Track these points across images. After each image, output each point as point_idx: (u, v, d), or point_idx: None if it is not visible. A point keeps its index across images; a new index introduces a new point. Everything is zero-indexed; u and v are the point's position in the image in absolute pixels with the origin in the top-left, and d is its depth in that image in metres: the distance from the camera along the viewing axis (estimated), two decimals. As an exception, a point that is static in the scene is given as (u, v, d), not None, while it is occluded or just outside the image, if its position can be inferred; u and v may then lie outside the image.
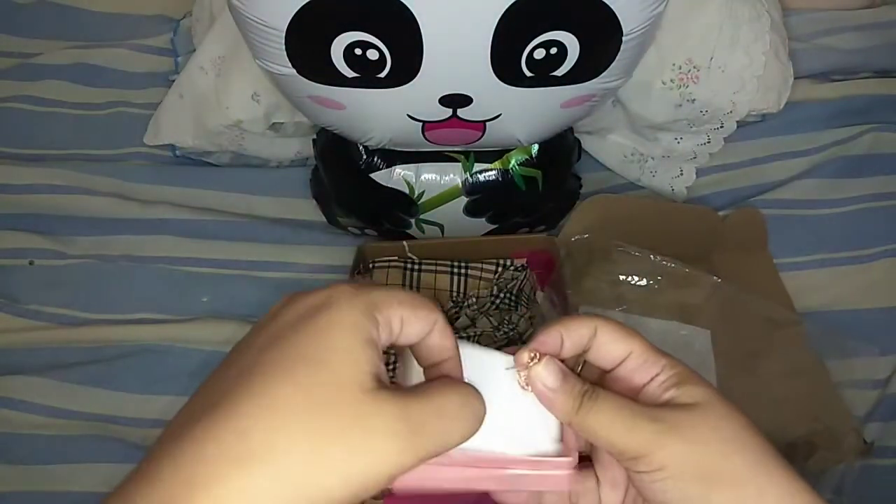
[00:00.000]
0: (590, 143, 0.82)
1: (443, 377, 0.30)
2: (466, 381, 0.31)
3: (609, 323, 0.33)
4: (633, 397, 0.33)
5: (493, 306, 0.67)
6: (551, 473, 0.33)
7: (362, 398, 0.25)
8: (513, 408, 0.33)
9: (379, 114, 0.58)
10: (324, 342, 0.26)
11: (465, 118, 0.57)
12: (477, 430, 0.29)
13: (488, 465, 0.31)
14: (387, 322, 0.28)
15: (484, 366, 0.32)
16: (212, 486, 0.23)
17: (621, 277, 0.68)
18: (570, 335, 0.33)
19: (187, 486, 0.23)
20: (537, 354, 0.33)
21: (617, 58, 0.55)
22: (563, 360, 0.33)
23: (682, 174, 0.80)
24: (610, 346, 0.33)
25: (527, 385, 0.33)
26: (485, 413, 0.29)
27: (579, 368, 0.34)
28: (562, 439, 0.34)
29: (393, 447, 0.25)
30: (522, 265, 0.69)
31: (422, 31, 0.49)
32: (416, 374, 0.31)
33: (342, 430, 0.25)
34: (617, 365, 0.33)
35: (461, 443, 0.28)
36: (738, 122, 0.78)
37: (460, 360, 0.31)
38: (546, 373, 0.32)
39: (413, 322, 0.29)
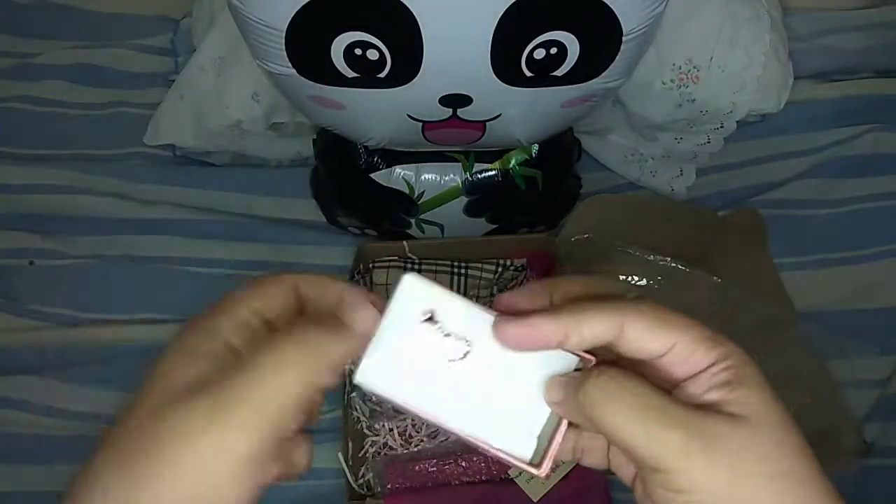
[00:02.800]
0: (590, 143, 0.82)
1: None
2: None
3: (642, 315, 0.27)
4: (668, 389, 0.27)
5: (493, 306, 0.67)
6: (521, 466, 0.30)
7: (167, 413, 0.26)
8: (501, 385, 0.29)
9: (379, 114, 0.58)
10: (159, 359, 0.28)
11: (465, 118, 0.57)
12: (317, 376, 0.27)
13: (459, 437, 0.30)
14: (236, 320, 0.29)
15: (479, 326, 0.30)
16: None
17: (621, 277, 0.68)
18: (582, 330, 0.27)
19: None
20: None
21: (617, 58, 0.55)
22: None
23: (682, 174, 0.80)
24: (643, 342, 0.27)
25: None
26: (324, 341, 0.27)
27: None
28: (544, 435, 0.29)
29: (233, 438, 0.25)
30: (522, 265, 0.69)
31: (422, 30, 0.49)
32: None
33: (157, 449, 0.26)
34: (657, 357, 0.27)
35: (308, 388, 0.26)
36: (738, 122, 0.78)
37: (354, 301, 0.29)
38: (551, 390, 0.28)
39: (266, 305, 0.29)
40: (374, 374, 0.29)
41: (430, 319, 0.30)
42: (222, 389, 0.26)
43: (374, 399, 0.64)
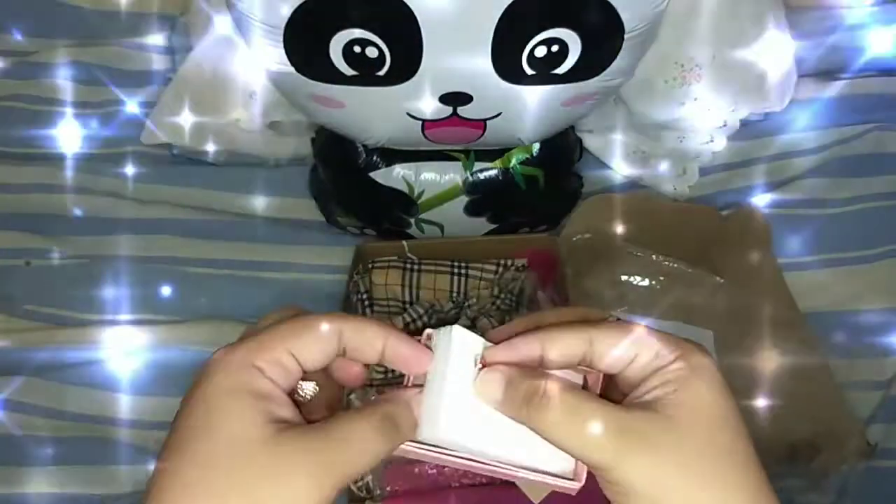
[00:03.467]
0: (591, 142, 0.82)
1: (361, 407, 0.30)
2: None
3: (608, 330, 0.30)
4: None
5: (494, 307, 0.66)
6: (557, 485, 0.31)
7: (261, 449, 0.26)
8: None
9: (378, 112, 0.58)
10: (206, 410, 0.27)
11: (466, 116, 0.57)
12: (394, 446, 0.29)
13: (495, 468, 0.31)
14: (274, 362, 0.28)
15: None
16: None
17: (623, 277, 0.68)
18: (556, 347, 0.30)
19: None
20: (480, 362, 0.30)
21: (618, 56, 0.54)
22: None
23: (684, 173, 0.79)
24: (610, 354, 0.29)
25: None
26: (408, 426, 0.29)
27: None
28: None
29: (303, 485, 0.26)
30: (523, 265, 0.69)
31: (421, 28, 0.49)
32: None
33: (247, 486, 0.26)
34: (626, 367, 0.30)
35: (376, 462, 0.28)
36: (740, 120, 0.77)
37: (415, 357, 0.30)
38: (489, 387, 0.30)
39: (306, 349, 0.29)
40: (441, 430, 0.30)
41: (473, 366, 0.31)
42: (318, 442, 0.27)
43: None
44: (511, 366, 0.30)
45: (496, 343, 0.31)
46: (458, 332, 0.31)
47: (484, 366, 0.31)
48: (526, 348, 0.30)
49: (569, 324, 0.31)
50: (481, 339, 0.31)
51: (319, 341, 0.29)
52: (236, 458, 0.26)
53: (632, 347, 0.29)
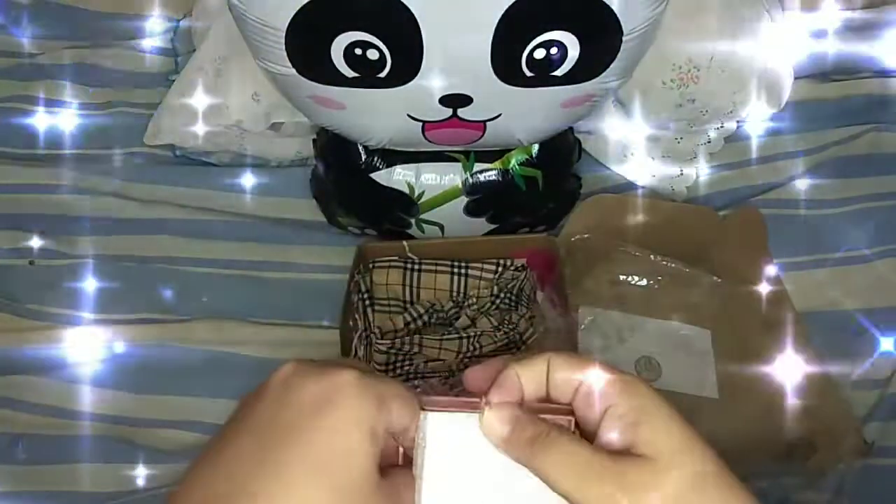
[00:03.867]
0: (590, 143, 0.82)
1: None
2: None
3: (560, 355, 0.32)
4: (594, 433, 0.31)
5: (494, 306, 0.67)
6: None
7: (373, 493, 0.28)
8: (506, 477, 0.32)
9: (379, 114, 0.58)
10: (339, 443, 0.28)
11: (466, 118, 0.57)
12: None
13: None
14: (388, 413, 0.30)
15: (465, 435, 0.32)
16: None
17: (621, 277, 0.68)
18: (526, 373, 0.32)
19: None
20: (485, 401, 0.32)
21: (617, 58, 0.55)
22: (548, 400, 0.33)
23: (682, 174, 0.80)
24: (562, 377, 0.32)
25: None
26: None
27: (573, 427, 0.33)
28: None
29: None
30: (522, 265, 0.69)
31: (422, 30, 0.49)
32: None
33: None
34: (575, 392, 0.32)
35: None
36: (738, 121, 0.78)
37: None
38: (495, 423, 0.31)
39: (404, 415, 0.31)
40: None
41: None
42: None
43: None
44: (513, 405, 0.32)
45: (471, 382, 0.33)
46: (431, 419, 0.32)
47: (478, 407, 0.32)
48: (509, 383, 0.32)
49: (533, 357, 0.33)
50: (460, 415, 0.32)
51: (410, 413, 0.32)
52: (357, 497, 0.28)
53: (577, 373, 0.31)
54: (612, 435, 0.30)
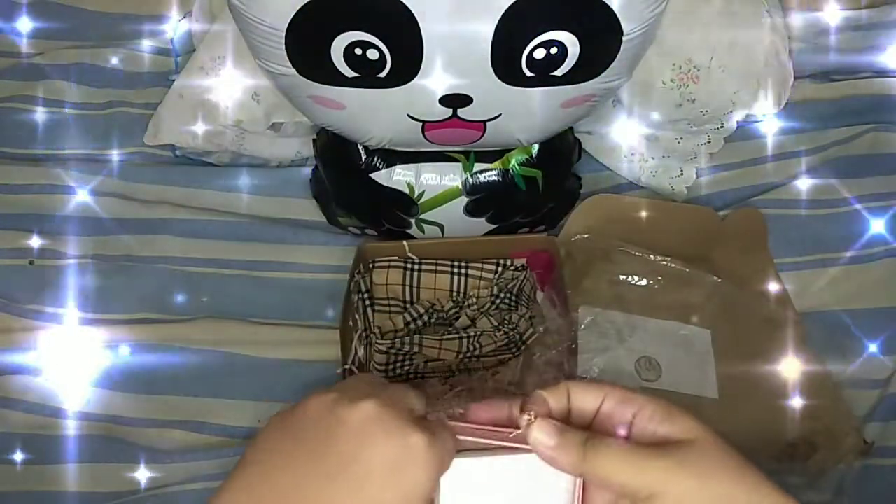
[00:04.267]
0: (590, 143, 0.82)
1: None
2: None
3: (577, 381, 0.37)
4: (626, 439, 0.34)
5: (494, 306, 0.67)
6: None
7: None
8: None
9: (379, 114, 0.58)
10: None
11: (466, 118, 0.57)
12: None
13: None
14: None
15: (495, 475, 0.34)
16: None
17: (621, 277, 0.68)
18: (551, 396, 0.35)
19: None
20: (532, 415, 0.34)
21: (617, 58, 0.55)
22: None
23: (682, 174, 0.80)
24: (584, 396, 0.35)
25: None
26: None
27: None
28: None
29: None
30: (522, 265, 0.69)
31: (422, 30, 0.49)
32: None
33: None
34: (596, 413, 0.35)
35: None
36: (738, 122, 0.78)
37: None
38: (543, 434, 0.33)
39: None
40: None
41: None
42: None
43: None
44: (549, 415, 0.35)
45: (472, 415, 0.36)
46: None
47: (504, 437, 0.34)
48: (539, 404, 0.35)
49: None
50: (473, 460, 0.34)
51: None
52: None
53: (600, 392, 0.35)
54: (648, 431, 0.33)
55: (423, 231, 0.72)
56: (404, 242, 0.69)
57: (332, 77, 0.54)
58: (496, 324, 0.65)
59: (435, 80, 0.53)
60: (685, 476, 0.31)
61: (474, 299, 0.67)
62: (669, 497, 0.31)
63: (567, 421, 0.35)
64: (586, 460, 0.33)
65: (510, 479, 0.34)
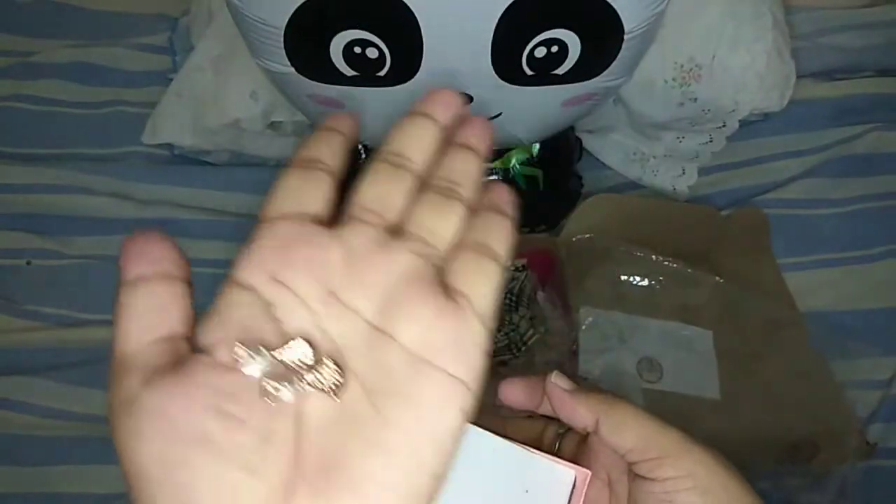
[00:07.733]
0: (591, 142, 0.82)
1: None
2: None
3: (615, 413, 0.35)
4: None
5: (494, 306, 0.66)
6: None
7: None
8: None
9: (378, 112, 0.58)
10: None
11: (466, 117, 0.57)
12: None
13: None
14: None
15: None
16: None
17: (623, 277, 0.68)
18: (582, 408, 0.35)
19: None
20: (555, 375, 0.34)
21: (618, 56, 0.54)
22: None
23: (684, 173, 0.79)
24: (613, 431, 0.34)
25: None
26: None
27: (556, 446, 0.35)
28: None
29: None
30: (523, 265, 0.69)
31: (421, 29, 0.49)
32: None
33: None
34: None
35: None
36: (740, 121, 0.77)
37: None
38: (562, 379, 0.34)
39: None
40: None
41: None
42: None
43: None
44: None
45: (507, 393, 0.35)
46: (473, 433, 0.32)
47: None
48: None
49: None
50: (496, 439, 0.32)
51: None
52: None
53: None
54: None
55: (423, 231, 0.71)
56: (404, 242, 0.68)
57: (332, 76, 0.54)
58: (496, 324, 0.64)
59: (434, 78, 0.53)
60: (702, 451, 0.31)
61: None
62: (681, 464, 0.30)
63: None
64: (609, 410, 0.32)
65: (516, 473, 0.33)
